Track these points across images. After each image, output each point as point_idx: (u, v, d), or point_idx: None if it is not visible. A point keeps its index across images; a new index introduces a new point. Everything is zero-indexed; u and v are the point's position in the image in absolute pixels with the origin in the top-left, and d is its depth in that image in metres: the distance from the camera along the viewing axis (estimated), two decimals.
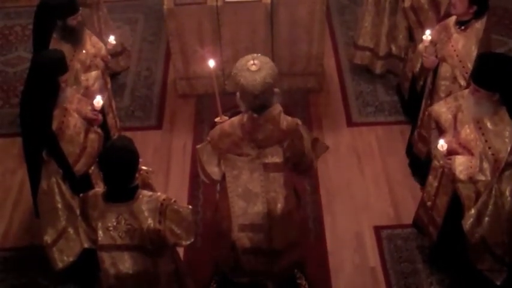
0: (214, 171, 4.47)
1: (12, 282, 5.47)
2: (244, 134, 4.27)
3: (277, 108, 4.26)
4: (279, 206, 4.48)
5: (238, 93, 4.20)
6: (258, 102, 4.13)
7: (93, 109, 5.06)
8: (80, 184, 4.92)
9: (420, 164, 5.85)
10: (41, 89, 4.67)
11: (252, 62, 4.08)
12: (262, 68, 4.07)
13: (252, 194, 4.44)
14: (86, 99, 5.14)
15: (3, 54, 7.89)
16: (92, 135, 4.99)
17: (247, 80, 4.04)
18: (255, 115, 4.18)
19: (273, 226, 4.53)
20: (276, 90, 4.24)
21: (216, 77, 4.78)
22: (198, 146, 4.55)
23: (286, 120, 4.30)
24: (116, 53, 6.90)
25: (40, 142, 4.77)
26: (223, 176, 4.49)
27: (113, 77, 7.18)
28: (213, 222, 5.07)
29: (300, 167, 4.52)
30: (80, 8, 5.40)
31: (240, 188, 4.44)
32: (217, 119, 4.63)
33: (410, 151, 6.16)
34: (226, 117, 4.51)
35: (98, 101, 5.06)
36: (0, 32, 8.25)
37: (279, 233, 4.59)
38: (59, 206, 4.94)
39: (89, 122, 5.02)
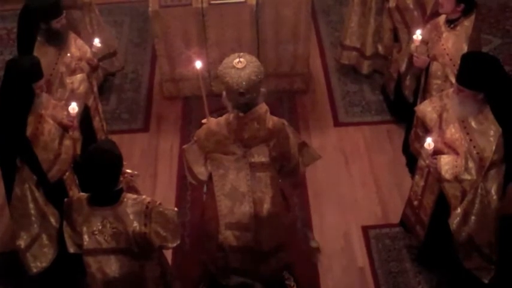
0: (200, 171, 4.49)
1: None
2: (230, 132, 4.29)
3: (263, 107, 4.28)
4: (266, 206, 4.49)
5: (224, 92, 4.22)
6: (243, 100, 4.15)
7: (69, 115, 5.03)
8: (54, 190, 4.91)
9: (416, 163, 5.83)
10: (15, 95, 4.63)
11: (237, 60, 4.11)
12: (248, 66, 4.10)
13: (239, 193, 4.45)
14: (62, 104, 5.11)
15: None
16: (66, 142, 4.97)
17: (233, 76, 4.07)
18: (241, 114, 4.20)
19: (260, 227, 4.54)
20: (263, 89, 4.26)
21: (203, 78, 4.77)
22: (185, 146, 4.57)
23: (272, 120, 4.33)
24: (109, 53, 6.91)
25: (14, 148, 4.74)
26: (210, 177, 4.50)
27: (107, 79, 7.18)
28: (200, 224, 5.07)
29: (286, 169, 4.53)
30: (64, 11, 5.37)
31: (227, 187, 4.45)
32: (204, 120, 4.64)
33: (407, 150, 6.15)
34: (213, 119, 4.51)
35: (74, 107, 5.02)
36: None
37: (266, 234, 4.60)
38: (32, 212, 4.91)
39: (64, 128, 4.99)
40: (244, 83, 4.06)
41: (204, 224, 4.84)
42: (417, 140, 5.72)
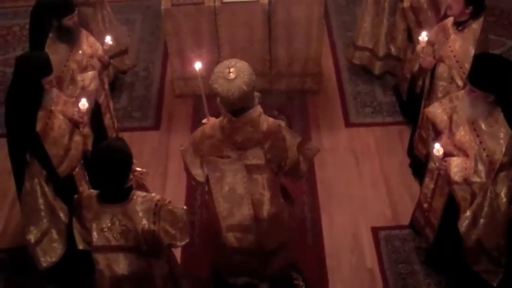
0: (198, 173, 4.49)
1: (8, 281, 5.49)
2: (224, 136, 4.27)
3: (257, 110, 4.24)
4: (265, 208, 4.47)
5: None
6: (236, 107, 4.12)
7: (79, 111, 5.04)
8: (63, 186, 4.92)
9: (421, 165, 5.83)
10: (25, 91, 4.65)
11: (228, 70, 4.05)
12: (239, 76, 4.02)
13: (237, 196, 4.43)
14: (73, 100, 5.13)
15: (1, 54, 7.90)
16: (76, 138, 4.98)
17: (223, 88, 4.02)
18: (234, 118, 4.17)
19: (261, 229, 4.53)
20: (256, 93, 4.22)
21: (202, 78, 4.74)
22: (182, 148, 4.56)
23: (267, 122, 4.28)
24: (120, 51, 6.91)
25: (24, 143, 4.76)
26: (208, 179, 4.49)
27: (118, 76, 7.19)
28: (206, 223, 5.07)
29: (286, 170, 4.47)
30: (76, 8, 5.39)
31: (224, 190, 4.43)
32: (204, 120, 4.63)
33: (411, 152, 6.14)
34: (214, 118, 4.50)
35: (83, 103, 5.04)
36: None
37: (268, 235, 4.59)
38: (42, 207, 4.94)
39: (75, 124, 5.01)
40: (236, 94, 4.01)
41: (208, 224, 4.84)
42: (421, 142, 5.72)
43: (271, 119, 4.32)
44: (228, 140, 4.27)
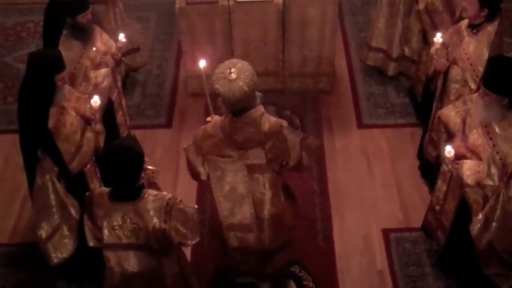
0: (200, 171, 4.49)
1: (20, 276, 5.52)
2: (225, 135, 4.26)
3: (258, 110, 4.23)
4: (266, 207, 4.47)
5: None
6: (237, 107, 4.12)
7: (91, 108, 5.06)
8: (74, 182, 4.94)
9: (430, 167, 5.81)
10: (37, 87, 4.67)
11: (229, 70, 4.04)
12: (239, 76, 4.02)
13: (238, 195, 4.43)
14: (85, 97, 5.14)
15: (15, 50, 7.94)
16: (88, 135, 5.00)
17: (224, 88, 4.02)
18: (234, 118, 4.16)
19: (262, 228, 4.53)
20: (258, 93, 4.21)
21: (207, 77, 4.73)
22: (185, 146, 4.57)
23: (269, 122, 4.26)
24: (132, 49, 6.93)
25: (36, 140, 4.78)
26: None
27: (129, 74, 7.21)
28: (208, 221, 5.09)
29: (288, 168, 4.45)
30: (90, 6, 5.41)
31: (225, 189, 4.43)
32: (209, 118, 4.64)
33: (421, 154, 6.12)
34: (218, 117, 4.49)
35: (96, 100, 5.05)
36: (13, 29, 8.30)
37: (269, 235, 4.59)
38: (53, 203, 4.96)
39: (87, 121, 5.02)
40: (237, 94, 4.01)
41: (210, 223, 4.84)
42: (431, 144, 5.70)
43: (273, 119, 4.31)
44: (228, 140, 4.27)
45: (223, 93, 4.03)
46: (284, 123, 4.34)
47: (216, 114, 4.56)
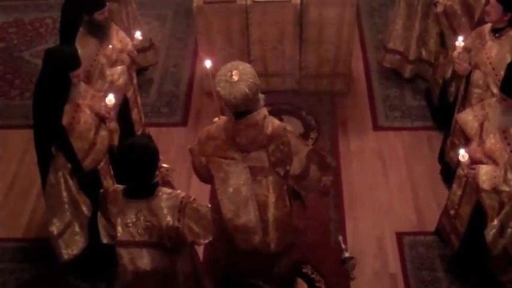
0: (204, 172, 4.50)
1: (33, 271, 5.56)
2: (228, 138, 4.25)
3: (261, 112, 4.19)
4: (270, 210, 4.45)
5: None
6: (239, 110, 4.09)
7: (106, 107, 5.07)
8: (88, 179, 4.96)
9: (451, 172, 5.76)
10: (52, 84, 4.68)
11: (230, 72, 4.02)
12: (241, 79, 3.99)
13: (242, 197, 4.40)
14: (100, 95, 5.15)
15: (33, 46, 7.98)
16: (102, 133, 5.01)
17: (226, 91, 4.00)
18: (236, 120, 4.14)
19: (267, 231, 4.50)
20: (261, 95, 4.19)
21: (213, 77, 4.73)
22: (190, 147, 4.57)
23: (272, 125, 4.24)
24: (143, 48, 6.93)
25: (50, 136, 4.80)
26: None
27: (140, 72, 7.21)
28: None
29: (294, 177, 4.41)
30: (107, 3, 5.41)
31: (229, 191, 4.40)
32: (215, 119, 4.63)
33: (442, 158, 6.07)
34: (224, 117, 4.48)
35: (110, 99, 5.06)
36: (31, 24, 8.34)
37: (274, 237, 4.55)
38: (65, 200, 4.98)
39: (101, 119, 5.03)
40: (238, 97, 3.98)
41: (215, 224, 4.83)
42: (453, 149, 5.65)
43: (277, 122, 4.28)
44: (231, 142, 4.25)
45: (224, 95, 4.01)
46: (287, 126, 4.34)
47: (223, 115, 4.55)
